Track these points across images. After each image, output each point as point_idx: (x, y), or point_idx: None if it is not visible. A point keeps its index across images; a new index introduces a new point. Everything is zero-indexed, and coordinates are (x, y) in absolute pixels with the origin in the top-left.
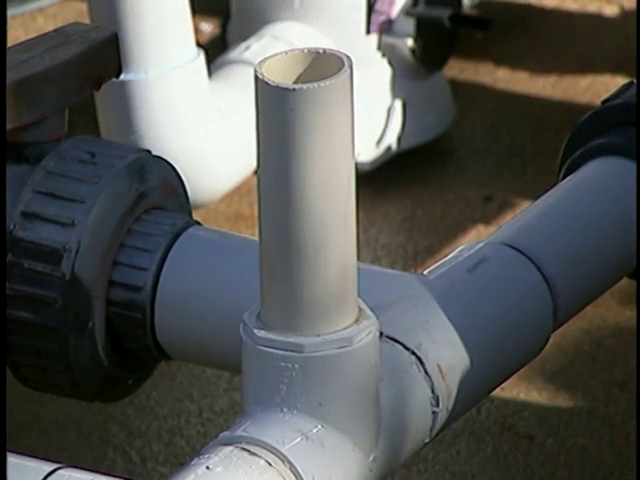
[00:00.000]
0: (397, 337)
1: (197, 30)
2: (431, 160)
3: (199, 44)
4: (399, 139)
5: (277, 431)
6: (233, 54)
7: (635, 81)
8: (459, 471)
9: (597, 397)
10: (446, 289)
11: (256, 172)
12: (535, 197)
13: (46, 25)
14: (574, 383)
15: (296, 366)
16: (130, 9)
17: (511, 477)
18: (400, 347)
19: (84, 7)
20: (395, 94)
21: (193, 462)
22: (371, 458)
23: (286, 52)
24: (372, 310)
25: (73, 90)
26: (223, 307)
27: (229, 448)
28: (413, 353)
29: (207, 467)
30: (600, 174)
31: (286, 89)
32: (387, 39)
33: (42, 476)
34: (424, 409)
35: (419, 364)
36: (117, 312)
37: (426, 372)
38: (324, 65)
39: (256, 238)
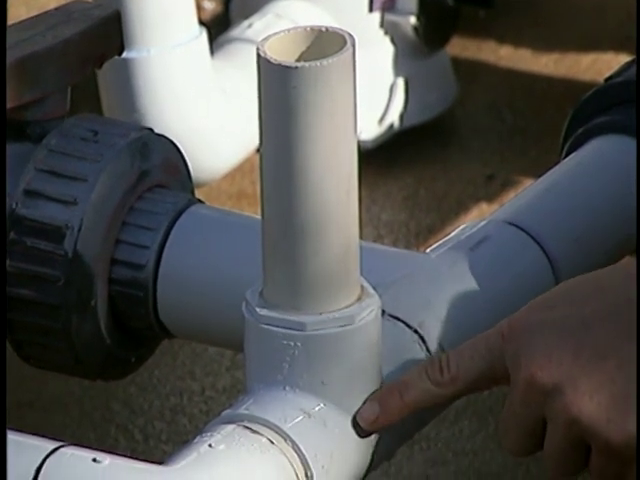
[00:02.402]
0: (399, 315)
1: (200, 8)
2: (433, 138)
3: (202, 22)
4: (401, 117)
5: (279, 409)
6: (236, 32)
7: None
8: (461, 449)
9: None
10: (448, 267)
11: (258, 150)
12: (537, 175)
13: (48, 3)
14: None
15: (298, 344)
16: None
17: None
18: (402, 325)
19: None
20: (397, 72)
21: (195, 440)
22: (373, 436)
23: (288, 30)
24: (374, 288)
25: (75, 68)
26: (225, 285)
27: (231, 426)
28: (415, 331)
29: (209, 445)
30: (602, 152)
31: (288, 67)
32: (390, 17)
33: (44, 454)
34: None
35: (421, 342)
36: (119, 290)
37: (428, 350)
38: (326, 43)
39: (258, 216)
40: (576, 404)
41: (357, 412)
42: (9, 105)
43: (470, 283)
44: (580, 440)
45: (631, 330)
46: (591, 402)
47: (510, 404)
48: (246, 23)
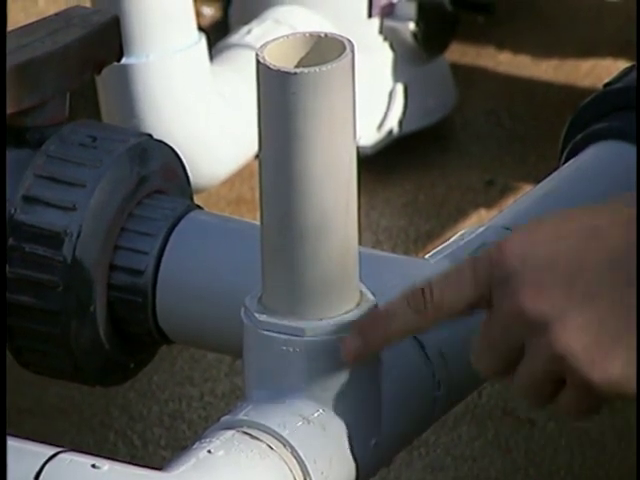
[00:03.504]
0: None
1: (199, 14)
2: (432, 144)
3: (201, 28)
4: (400, 123)
5: (278, 415)
6: (235, 38)
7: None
8: (460, 455)
9: None
10: None
11: (258, 156)
12: (536, 181)
13: (47, 9)
14: None
15: (297, 350)
16: None
17: (512, 461)
18: None
19: None
20: (396, 78)
21: (194, 446)
22: (372, 442)
23: (288, 36)
24: (373, 294)
25: (74, 74)
26: (224, 291)
27: (230, 432)
28: (414, 337)
29: (209, 451)
30: (600, 158)
31: (287, 73)
32: (389, 23)
33: (43, 460)
34: (425, 393)
35: (420, 348)
36: (118, 296)
37: (427, 356)
38: (326, 49)
39: (257, 222)
40: (562, 341)
41: (341, 344)
42: (8, 111)
43: None
44: (557, 375)
45: (629, 276)
46: (578, 341)
47: (489, 327)
48: (245, 29)
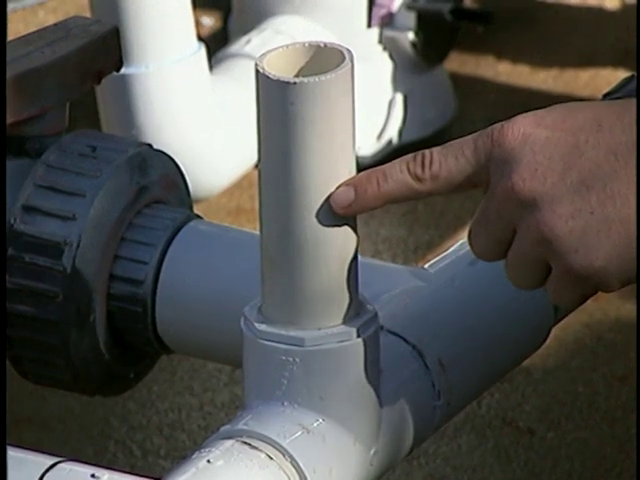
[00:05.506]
0: (398, 331)
1: (198, 24)
2: None
3: (200, 38)
4: (400, 133)
5: (278, 425)
6: (234, 48)
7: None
8: (460, 465)
9: (598, 391)
10: (447, 283)
11: (257, 166)
12: None
13: (47, 19)
14: (575, 377)
15: (297, 360)
16: (131, 3)
17: (512, 471)
18: (401, 341)
19: (85, 1)
20: (396, 88)
21: (194, 456)
22: (372, 452)
23: (287, 46)
24: (372, 304)
25: (74, 84)
26: (224, 301)
27: (230, 442)
28: (414, 347)
29: (208, 461)
30: None
31: (287, 83)
32: (388, 33)
33: (42, 470)
34: (425, 403)
35: (420, 358)
36: (118, 306)
37: (426, 366)
38: (325, 59)
39: (257, 232)
40: (549, 224)
41: (331, 195)
42: (8, 121)
43: (468, 298)
44: (543, 259)
45: (626, 170)
46: (565, 227)
47: (485, 210)
48: (244, 39)
